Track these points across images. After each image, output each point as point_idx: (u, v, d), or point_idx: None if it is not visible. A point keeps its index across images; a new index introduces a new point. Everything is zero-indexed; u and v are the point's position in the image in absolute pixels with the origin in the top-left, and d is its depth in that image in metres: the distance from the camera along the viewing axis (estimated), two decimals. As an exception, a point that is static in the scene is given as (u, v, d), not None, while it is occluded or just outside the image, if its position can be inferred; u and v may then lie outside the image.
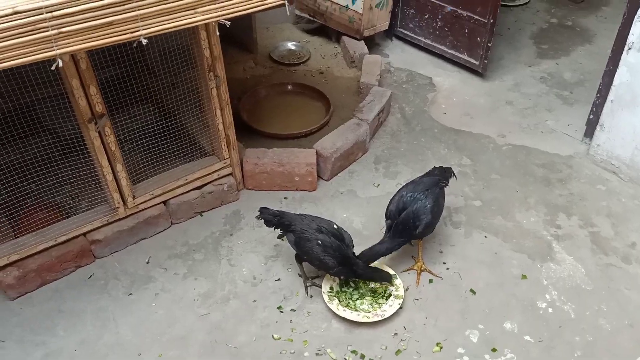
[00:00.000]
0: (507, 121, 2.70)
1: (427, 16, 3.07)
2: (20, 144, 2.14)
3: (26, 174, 1.99)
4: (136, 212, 2.05)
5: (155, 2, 1.54)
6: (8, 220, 1.91)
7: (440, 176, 2.04)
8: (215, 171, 2.18)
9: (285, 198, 2.28)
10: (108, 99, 1.90)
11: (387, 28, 3.15)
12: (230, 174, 2.22)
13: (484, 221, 2.19)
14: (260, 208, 1.92)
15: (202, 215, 2.20)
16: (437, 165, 2.13)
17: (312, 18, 3.22)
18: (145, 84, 2.27)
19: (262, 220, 1.90)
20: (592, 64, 3.06)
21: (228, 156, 2.18)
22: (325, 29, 3.21)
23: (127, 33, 1.55)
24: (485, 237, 2.13)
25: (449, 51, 3.06)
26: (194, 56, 2.01)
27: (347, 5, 2.97)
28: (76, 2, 1.43)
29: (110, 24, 1.50)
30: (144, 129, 2.28)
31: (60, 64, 1.49)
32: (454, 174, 2.10)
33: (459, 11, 2.90)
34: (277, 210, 1.91)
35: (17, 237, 1.89)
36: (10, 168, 2.05)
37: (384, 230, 1.95)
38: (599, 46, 3.24)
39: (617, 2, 3.65)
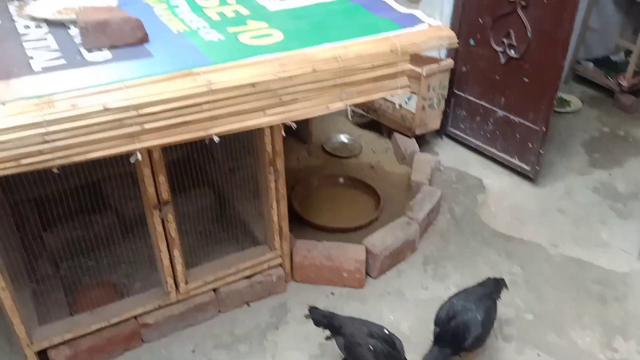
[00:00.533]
0: (559, 230, 2.66)
1: (478, 119, 3.15)
2: (85, 220, 2.25)
3: (87, 250, 2.08)
4: (187, 298, 2.07)
5: (228, 105, 1.66)
6: (66, 297, 1.97)
7: (493, 287, 2.01)
8: (266, 261, 2.21)
9: (332, 294, 2.28)
10: (170, 181, 1.99)
11: (438, 127, 3.24)
12: (280, 265, 2.25)
13: (536, 337, 2.11)
14: (310, 307, 1.92)
15: (249, 305, 2.21)
16: (490, 276, 2.09)
17: (365, 113, 3.34)
18: (205, 167, 2.38)
19: (312, 320, 1.89)
20: (647, 177, 3.04)
21: (279, 247, 2.22)
22: (377, 124, 3.32)
23: (201, 131, 1.66)
24: (539, 355, 2.04)
25: (500, 154, 3.09)
26: (256, 148, 2.10)
27: (401, 104, 3.09)
28: (159, 102, 1.55)
29: (187, 122, 1.62)
30: (200, 212, 2.36)
31: (139, 158, 1.60)
32: (506, 286, 2.06)
33: (511, 117, 2.96)
34: (327, 311, 1.90)
35: (73, 315, 1.94)
36: (73, 243, 2.14)
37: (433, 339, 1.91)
38: (654, 158, 3.23)
39: (671, 114, 3.66)
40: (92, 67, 1.66)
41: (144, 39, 1.83)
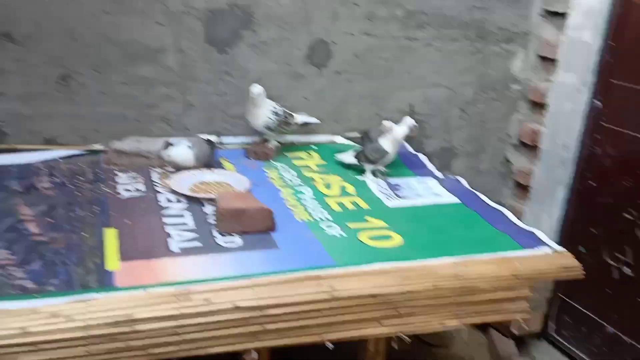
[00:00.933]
0: None
1: (584, 329, 2.95)
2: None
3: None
4: None
5: (346, 312, 1.66)
6: None
7: None
8: None
9: None
10: None
11: (539, 330, 3.06)
12: None
13: None
14: None
15: None
16: None
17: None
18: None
19: None
20: None
21: None
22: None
23: (316, 336, 1.65)
24: None
25: (609, 375, 2.84)
26: (357, 344, 2.05)
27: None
28: (284, 305, 1.58)
29: (304, 326, 1.62)
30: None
31: (255, 357, 1.60)
32: None
33: (622, 336, 2.75)
34: None
35: None
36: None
37: None
38: None
39: None
40: (225, 255, 1.75)
41: (272, 228, 1.93)
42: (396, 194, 2.31)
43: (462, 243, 1.94)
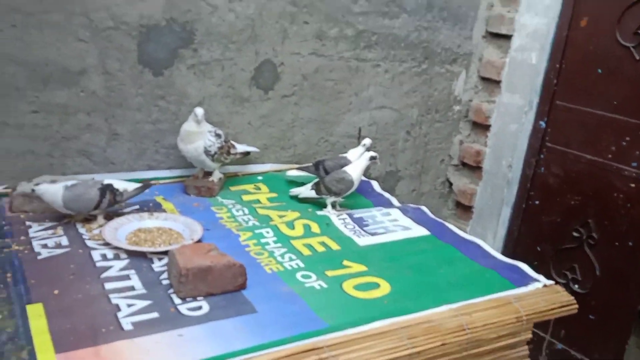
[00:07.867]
0: None
1: (531, 346, 2.93)
2: None
3: None
4: None
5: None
6: None
7: None
8: None
9: None
10: None
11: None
12: None
13: None
14: None
15: None
16: None
17: None
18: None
19: None
20: None
21: None
22: None
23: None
24: None
25: (563, 394, 2.84)
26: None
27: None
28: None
29: (308, 411, 1.34)
30: None
31: None
32: None
33: (572, 352, 2.77)
34: None
35: None
36: None
37: None
38: None
39: None
40: (192, 329, 1.40)
41: (244, 286, 1.62)
42: (365, 231, 2.09)
43: (451, 285, 1.76)
